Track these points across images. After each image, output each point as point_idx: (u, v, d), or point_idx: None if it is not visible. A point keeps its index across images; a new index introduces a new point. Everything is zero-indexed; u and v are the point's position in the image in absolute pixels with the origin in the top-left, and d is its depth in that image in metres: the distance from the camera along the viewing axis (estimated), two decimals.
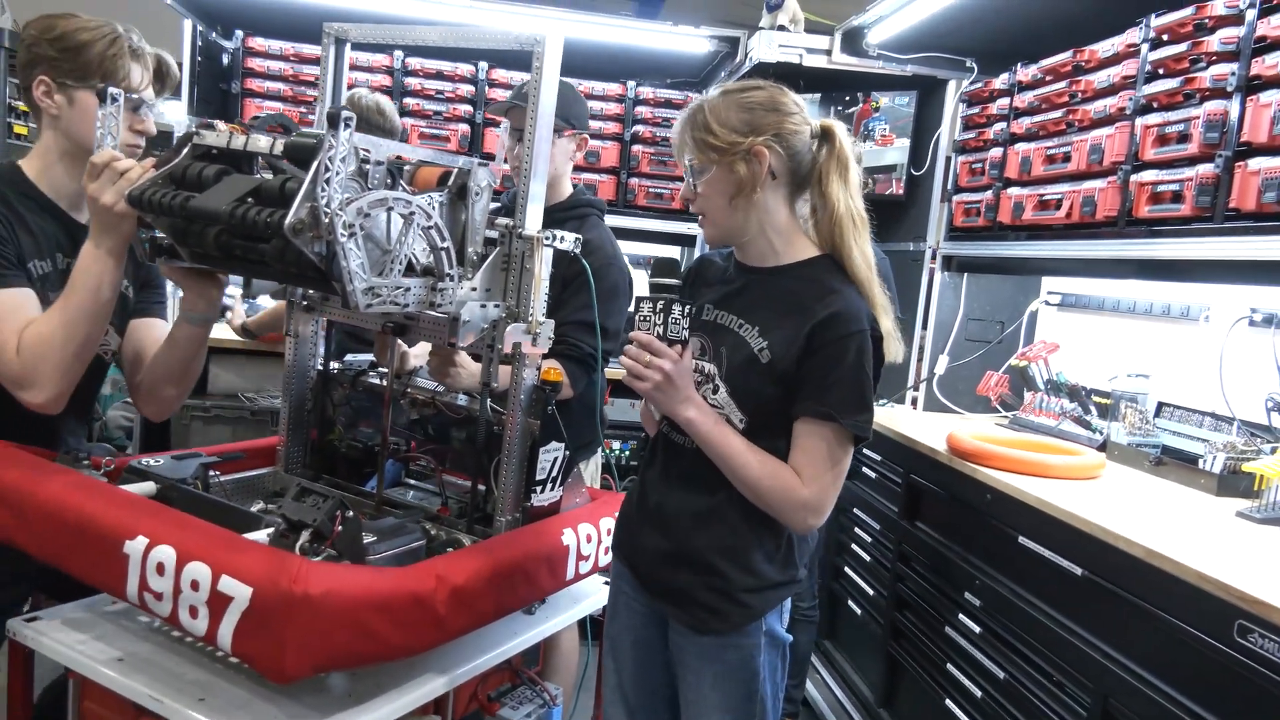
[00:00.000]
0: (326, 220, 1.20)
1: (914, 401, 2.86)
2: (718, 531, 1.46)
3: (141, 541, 1.22)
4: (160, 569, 1.20)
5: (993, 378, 2.68)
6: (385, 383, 1.84)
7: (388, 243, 1.34)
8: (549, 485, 1.69)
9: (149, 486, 1.50)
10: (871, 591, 2.51)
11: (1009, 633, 1.83)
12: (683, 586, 1.50)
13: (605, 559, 1.74)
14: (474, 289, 1.49)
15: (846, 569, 2.70)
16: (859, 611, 2.58)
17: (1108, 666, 1.53)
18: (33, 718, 1.54)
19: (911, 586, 2.28)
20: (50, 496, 1.35)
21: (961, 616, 2.00)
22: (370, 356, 1.94)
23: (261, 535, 1.33)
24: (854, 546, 2.66)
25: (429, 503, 1.84)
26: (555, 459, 1.69)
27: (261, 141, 1.37)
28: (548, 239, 1.55)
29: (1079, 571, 1.62)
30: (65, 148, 1.64)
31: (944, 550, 2.12)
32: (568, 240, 1.61)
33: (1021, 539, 1.80)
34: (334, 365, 1.89)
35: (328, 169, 1.19)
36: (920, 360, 2.86)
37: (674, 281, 1.57)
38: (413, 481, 1.97)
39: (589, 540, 1.69)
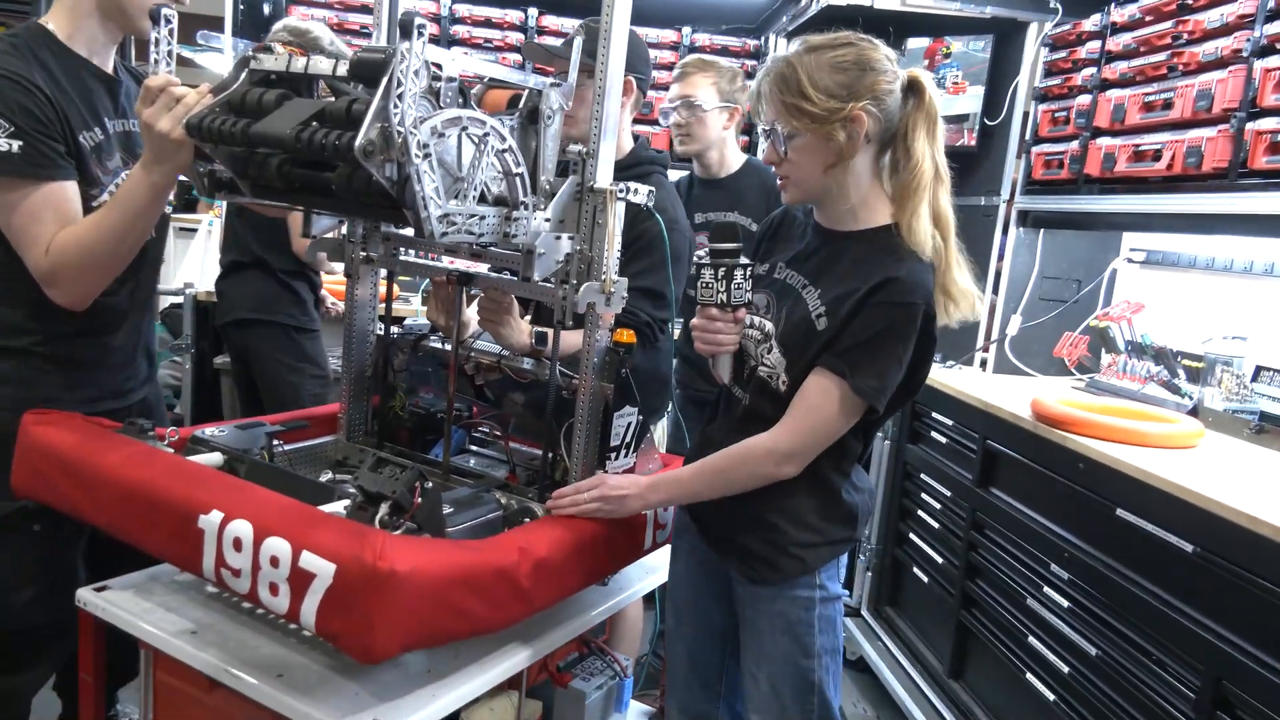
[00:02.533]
0: (399, 140, 1.12)
1: (983, 363, 2.75)
2: (773, 487, 1.42)
3: (217, 516, 1.17)
4: (238, 544, 1.15)
5: (1070, 339, 2.56)
6: (448, 346, 1.77)
7: (459, 168, 1.26)
8: (623, 451, 1.62)
9: (216, 458, 1.45)
10: (940, 559, 2.43)
11: (1102, 608, 1.74)
12: (739, 538, 1.49)
13: None
14: (548, 220, 1.41)
15: (912, 535, 2.62)
16: (925, 579, 2.50)
17: (1220, 647, 1.44)
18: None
19: (987, 555, 2.20)
20: (119, 469, 1.30)
21: (1047, 590, 1.91)
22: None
23: (336, 507, 1.27)
24: (920, 513, 2.57)
25: (495, 471, 1.78)
26: (629, 424, 1.62)
27: (323, 63, 1.29)
28: (621, 191, 1.46)
29: (1189, 548, 1.52)
30: (98, 1, 1.56)
31: (1025, 520, 2.03)
32: (641, 193, 1.51)
33: (1120, 511, 1.70)
34: (394, 330, 1.82)
35: (400, 84, 1.09)
36: (991, 320, 2.74)
37: (734, 246, 1.48)
38: (476, 449, 1.91)
39: (664, 508, 1.62)
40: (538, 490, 1.59)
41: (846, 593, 1.53)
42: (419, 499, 1.18)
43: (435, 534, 1.21)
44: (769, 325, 1.46)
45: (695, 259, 1.45)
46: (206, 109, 1.34)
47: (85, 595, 1.44)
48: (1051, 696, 1.87)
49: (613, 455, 1.60)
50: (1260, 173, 1.79)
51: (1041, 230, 2.69)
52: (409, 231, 1.67)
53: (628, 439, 1.63)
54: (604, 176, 1.47)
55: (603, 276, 1.46)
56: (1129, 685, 1.64)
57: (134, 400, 1.79)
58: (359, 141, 1.10)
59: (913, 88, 1.38)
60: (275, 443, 1.67)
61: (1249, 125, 1.81)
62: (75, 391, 1.64)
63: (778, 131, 1.39)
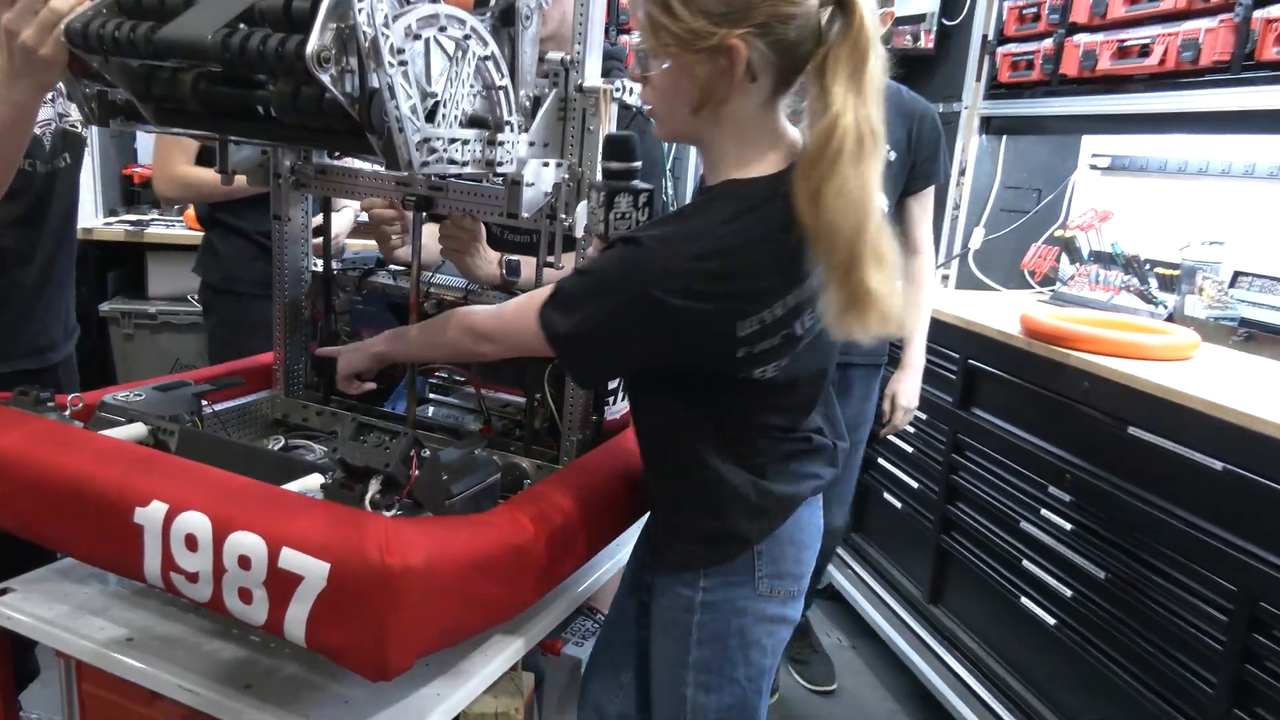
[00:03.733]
0: (366, 42, 0.88)
1: (945, 279, 2.66)
2: (658, 454, 1.20)
3: (158, 508, 0.92)
4: (191, 543, 0.91)
5: (1038, 250, 2.48)
6: (400, 282, 1.53)
7: (427, 81, 1.02)
8: (621, 394, 1.43)
9: (138, 430, 1.18)
10: (915, 484, 2.36)
11: (1113, 530, 1.68)
12: (648, 503, 1.30)
13: None
14: (531, 143, 1.18)
15: (880, 460, 2.54)
16: (898, 504, 2.44)
17: (1256, 566, 1.39)
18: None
19: (969, 478, 2.13)
20: (20, 454, 1.02)
21: (1045, 512, 1.85)
22: (373, 252, 1.61)
23: (308, 484, 1.04)
24: (890, 437, 2.49)
25: (464, 423, 1.57)
26: None
27: None
28: (617, 90, 1.24)
29: (1218, 465, 1.46)
30: None
31: (1016, 441, 1.96)
32: (636, 92, 1.29)
33: (1133, 430, 1.63)
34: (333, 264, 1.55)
35: None
36: (954, 235, 2.64)
37: (623, 166, 1.15)
38: (436, 397, 1.68)
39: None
40: (525, 443, 1.39)
41: (784, 612, 1.20)
42: (416, 470, 0.97)
43: (436, 510, 1.00)
44: None
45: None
46: (92, 9, 1.04)
47: None
48: (1051, 620, 1.83)
49: (610, 399, 1.41)
50: (1269, 64, 1.69)
51: (1004, 138, 2.58)
52: (358, 164, 1.42)
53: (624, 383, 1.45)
54: (594, 74, 1.24)
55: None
56: (1147, 608, 1.59)
57: (56, 360, 1.49)
58: (311, 47, 0.85)
59: (842, 8, 0.98)
60: (204, 404, 1.40)
61: (1256, 13, 1.71)
62: None
63: (638, 51, 1.11)
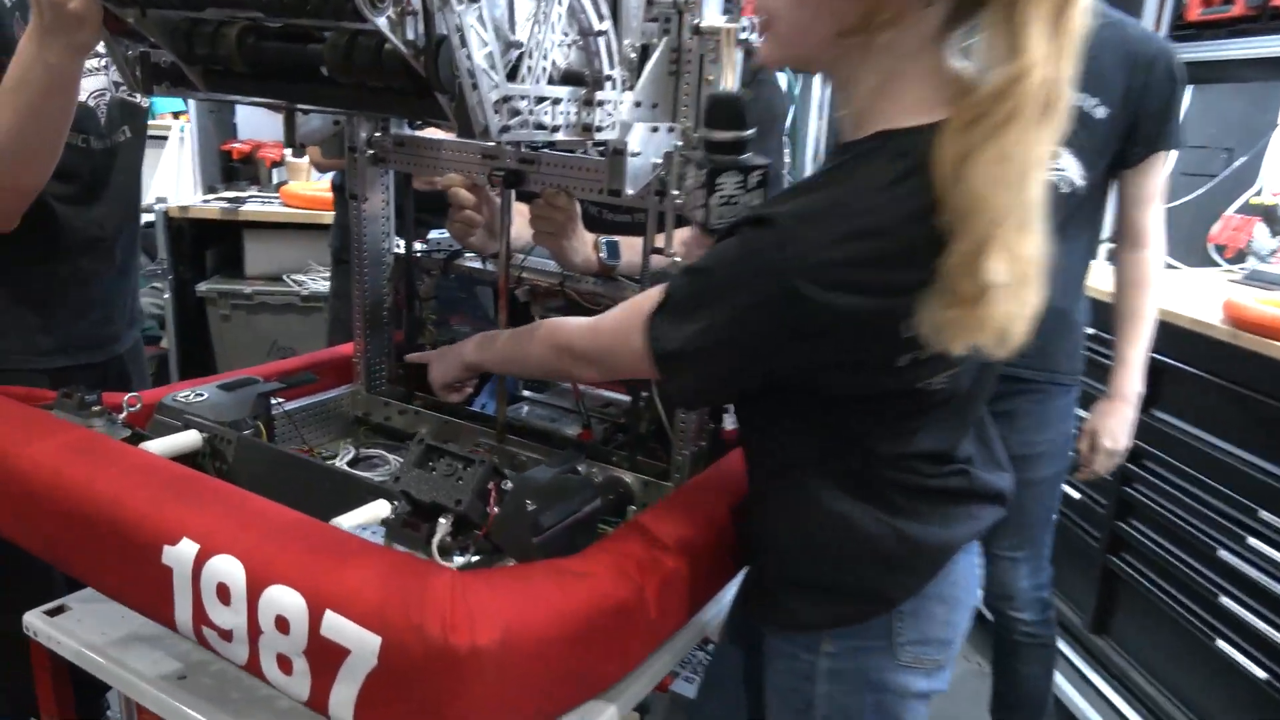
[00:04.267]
0: None
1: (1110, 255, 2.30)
2: (768, 493, 0.94)
3: (189, 548, 0.76)
4: (224, 593, 0.74)
5: (1230, 221, 2.10)
6: (489, 266, 1.34)
7: (510, 28, 0.81)
8: None
9: (191, 439, 1.03)
10: (1077, 494, 2.04)
11: None
12: (751, 551, 1.03)
13: None
14: (637, 103, 0.96)
15: None
16: (1054, 516, 2.12)
17: None
18: None
19: (1148, 492, 1.81)
20: (44, 469, 0.88)
21: (1253, 541, 1.53)
22: None
23: (373, 514, 0.86)
24: None
25: (560, 424, 1.38)
26: None
27: None
28: (743, 31, 1.01)
29: None
30: None
31: (1213, 453, 1.64)
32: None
33: None
34: (416, 246, 1.38)
35: None
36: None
37: (741, 136, 0.89)
38: (530, 394, 1.50)
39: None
40: (628, 454, 1.19)
41: (929, 686, 0.94)
42: (495, 507, 0.77)
43: (523, 556, 0.81)
44: None
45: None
46: None
47: (34, 622, 1.06)
48: (1260, 673, 1.51)
49: (728, 408, 1.18)
50: None
51: (1190, 88, 2.19)
52: (442, 135, 1.24)
53: None
54: (715, 11, 1.01)
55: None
56: None
57: (117, 352, 1.38)
58: None
59: None
60: (275, 401, 1.26)
61: None
62: (31, 338, 1.25)
63: None
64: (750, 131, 0.89)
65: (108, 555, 0.83)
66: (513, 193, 1.19)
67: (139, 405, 1.15)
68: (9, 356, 1.22)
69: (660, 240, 1.06)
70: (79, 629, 1.05)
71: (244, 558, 0.74)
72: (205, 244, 2.73)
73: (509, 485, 0.79)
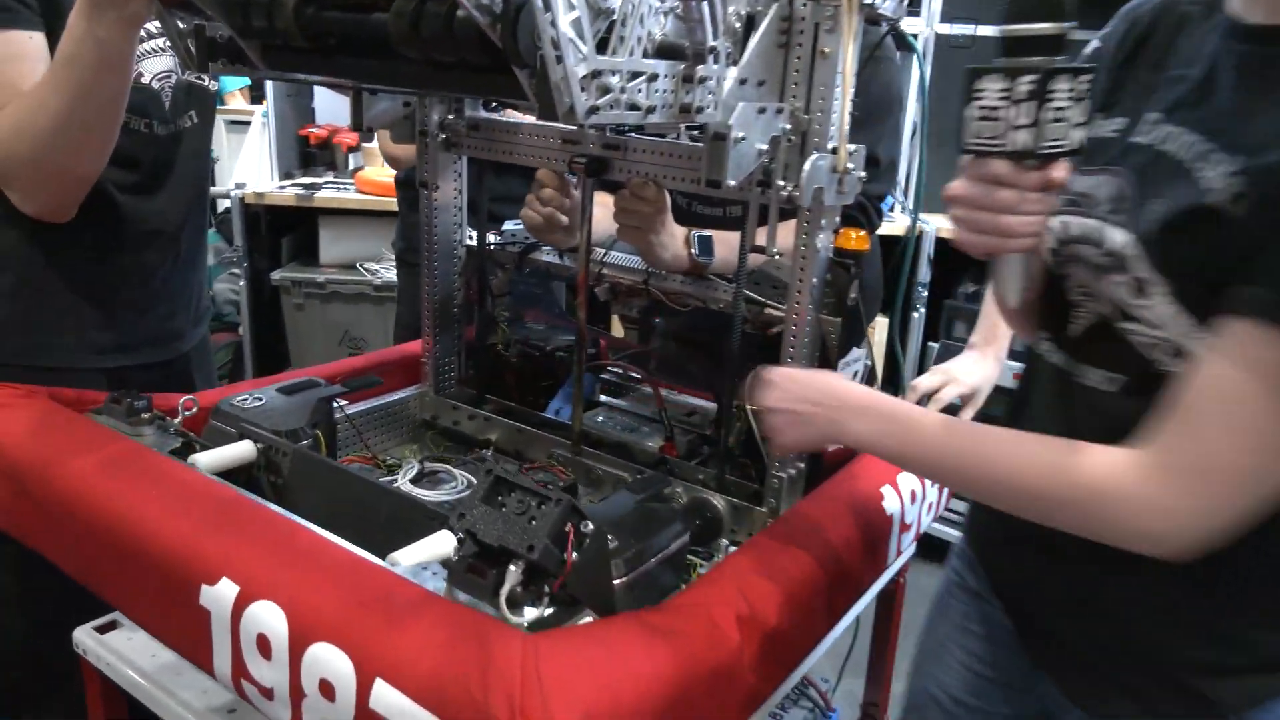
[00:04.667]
0: None
1: None
2: (1157, 568, 0.68)
3: (228, 590, 0.67)
4: (264, 646, 0.65)
5: None
6: (567, 261, 1.23)
7: None
8: None
9: (245, 450, 0.95)
10: None
11: None
12: (1081, 645, 0.82)
13: (926, 519, 1.13)
14: (741, 80, 0.83)
15: None
16: None
17: None
18: None
19: None
20: (83, 488, 0.81)
21: None
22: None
23: (424, 554, 0.76)
24: None
25: (641, 436, 1.26)
26: (855, 375, 1.07)
27: None
28: None
29: None
30: None
31: None
32: (888, 2, 0.92)
33: None
34: (490, 238, 1.28)
35: None
36: None
37: (1051, 29, 0.68)
38: (607, 399, 1.38)
39: (913, 499, 1.07)
40: (716, 473, 1.06)
41: None
42: (572, 553, 0.66)
43: (604, 610, 0.69)
44: (1118, 236, 0.73)
45: (971, 68, 0.73)
46: None
47: (84, 639, 1.00)
48: None
49: None
50: None
51: None
52: (520, 118, 1.13)
53: None
54: None
55: (832, 145, 0.89)
56: None
57: (182, 350, 1.32)
58: None
59: None
60: (338, 403, 1.17)
61: None
62: (87, 336, 1.19)
63: None
64: (1072, 23, 0.69)
65: (144, 589, 0.75)
66: (594, 182, 1.08)
67: (195, 409, 1.07)
68: (64, 354, 1.17)
69: (762, 237, 0.94)
70: (129, 648, 0.98)
71: (288, 606, 0.64)
72: (281, 231, 2.69)
73: (589, 527, 0.67)
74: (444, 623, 0.62)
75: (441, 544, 0.77)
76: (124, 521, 0.76)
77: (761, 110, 0.85)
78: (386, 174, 2.46)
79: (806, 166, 0.86)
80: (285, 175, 2.71)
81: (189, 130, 1.25)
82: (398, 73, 0.84)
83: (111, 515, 0.77)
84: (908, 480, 1.06)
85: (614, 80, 0.70)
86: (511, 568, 0.66)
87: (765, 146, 0.86)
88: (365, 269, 2.59)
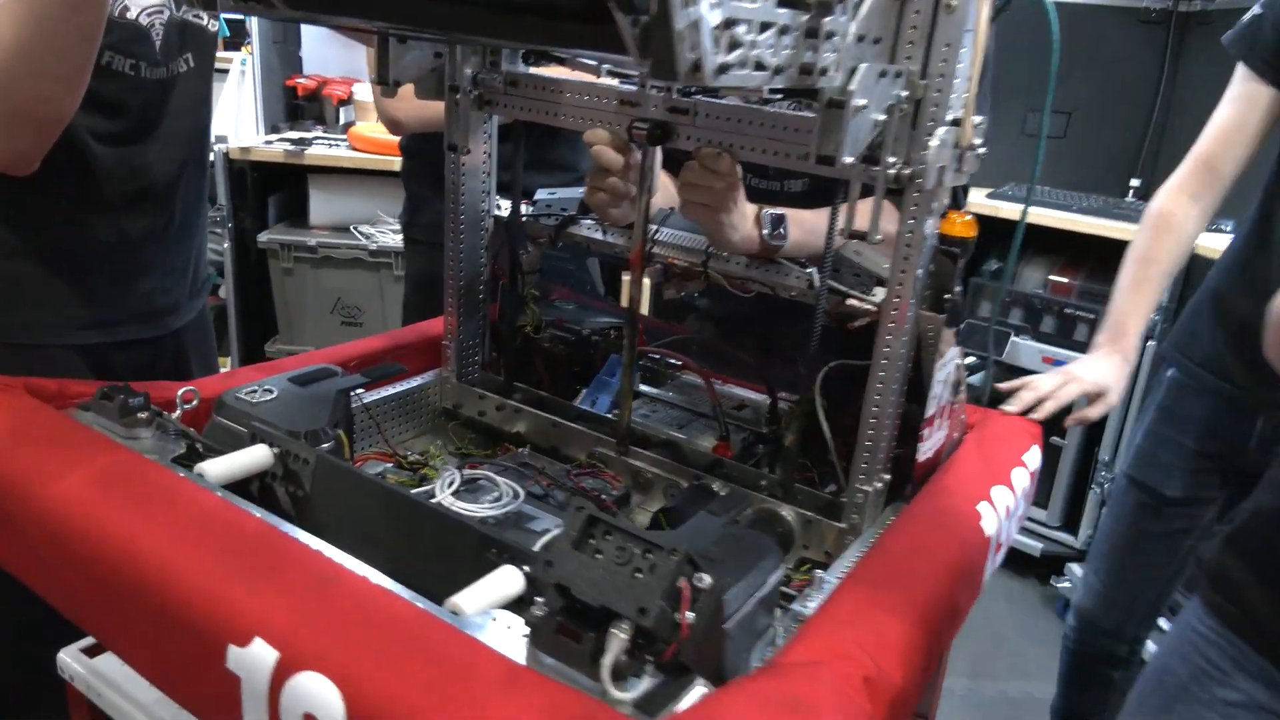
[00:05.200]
0: None
1: None
2: None
3: (263, 656, 0.54)
4: None
5: None
6: (611, 238, 1.10)
7: None
8: (940, 421, 0.96)
9: (260, 456, 0.81)
10: None
11: None
12: None
13: (1014, 533, 1.03)
14: (860, 37, 0.70)
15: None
16: None
17: None
18: None
19: None
20: (70, 518, 0.67)
21: None
22: (575, 192, 1.17)
23: (488, 597, 0.63)
24: None
25: (689, 432, 1.14)
26: (949, 379, 0.95)
27: None
28: None
29: None
30: None
31: None
32: None
33: None
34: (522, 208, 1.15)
35: None
36: None
37: None
38: (647, 389, 1.26)
39: (1007, 514, 0.96)
40: (779, 480, 0.95)
41: None
42: (689, 613, 0.54)
43: (716, 678, 0.57)
44: None
45: None
46: None
47: (68, 661, 0.88)
48: None
49: (924, 432, 0.93)
50: None
51: None
52: (565, 73, 0.99)
53: (953, 400, 0.97)
54: None
55: (952, 116, 0.77)
56: None
57: (174, 326, 1.18)
58: None
59: None
60: (356, 393, 1.04)
61: None
62: (65, 310, 1.05)
63: None
64: None
65: (153, 642, 0.62)
66: (658, 152, 0.94)
67: (195, 401, 0.94)
68: (41, 330, 1.02)
69: (862, 218, 0.81)
70: (120, 675, 0.86)
71: (341, 680, 0.51)
72: (268, 189, 2.51)
73: (704, 581, 0.55)
74: (537, 707, 0.50)
75: (508, 584, 0.65)
76: (126, 559, 0.62)
77: (883, 74, 0.72)
78: (383, 130, 2.29)
79: (934, 142, 0.74)
80: (271, 129, 2.52)
81: (184, 76, 1.09)
82: (449, 16, 0.69)
83: (110, 549, 0.63)
84: (1002, 495, 0.95)
85: (744, 33, 0.56)
86: (614, 631, 0.54)
87: (883, 117, 0.73)
88: (360, 232, 2.43)
